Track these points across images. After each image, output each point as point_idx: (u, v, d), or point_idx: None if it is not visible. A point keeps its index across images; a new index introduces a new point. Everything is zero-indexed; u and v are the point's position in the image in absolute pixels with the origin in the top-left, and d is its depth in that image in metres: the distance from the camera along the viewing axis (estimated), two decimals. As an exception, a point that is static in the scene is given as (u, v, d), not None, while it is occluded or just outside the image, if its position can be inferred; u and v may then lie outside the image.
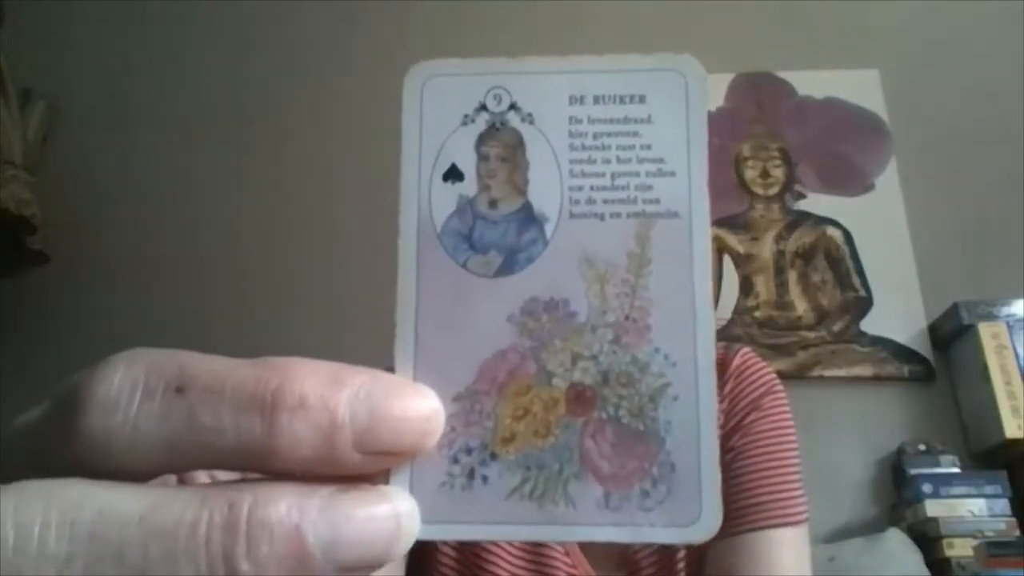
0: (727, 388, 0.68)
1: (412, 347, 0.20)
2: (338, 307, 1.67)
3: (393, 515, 0.17)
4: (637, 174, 0.21)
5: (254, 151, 1.88)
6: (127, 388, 0.17)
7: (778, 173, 1.77)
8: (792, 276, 1.68)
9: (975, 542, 1.32)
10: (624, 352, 0.20)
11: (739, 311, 1.66)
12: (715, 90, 1.83)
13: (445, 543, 0.68)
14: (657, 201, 0.21)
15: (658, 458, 0.20)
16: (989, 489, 1.39)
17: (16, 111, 1.75)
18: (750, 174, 1.78)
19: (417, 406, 0.18)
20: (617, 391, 0.20)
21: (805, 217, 1.73)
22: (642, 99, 0.22)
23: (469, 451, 0.20)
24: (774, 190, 1.76)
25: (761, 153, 1.79)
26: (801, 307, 1.65)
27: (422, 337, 0.21)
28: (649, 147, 0.21)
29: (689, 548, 0.65)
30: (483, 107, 0.22)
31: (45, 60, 1.91)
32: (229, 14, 1.99)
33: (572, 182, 0.21)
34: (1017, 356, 1.46)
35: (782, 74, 1.84)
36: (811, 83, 1.83)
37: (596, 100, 0.22)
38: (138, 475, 0.17)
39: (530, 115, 0.22)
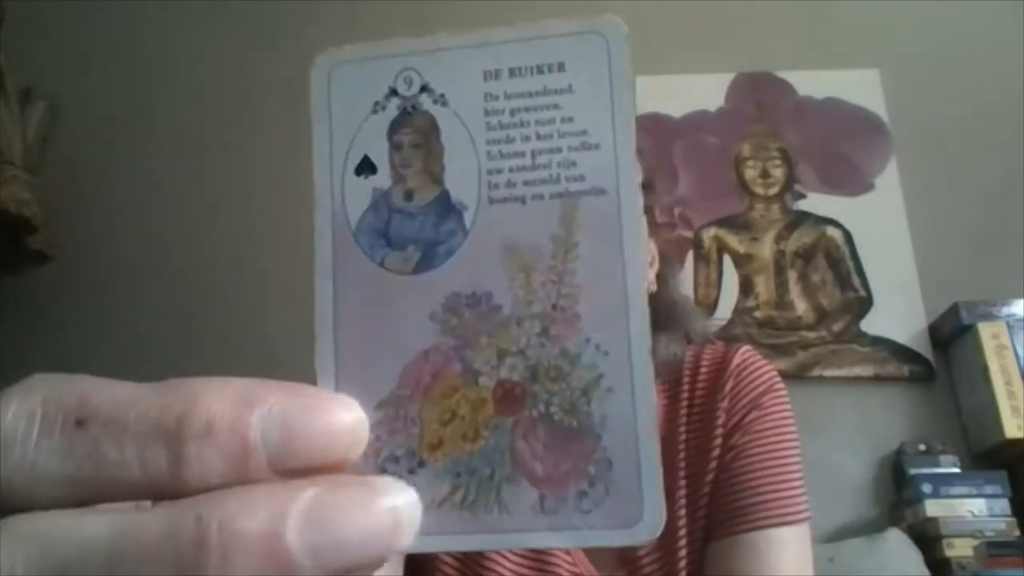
0: (727, 387, 0.68)
1: (332, 354, 0.20)
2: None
3: (390, 510, 0.16)
4: (559, 150, 0.20)
5: (255, 150, 1.88)
6: (23, 423, 0.16)
7: (778, 173, 1.77)
8: (792, 276, 1.68)
9: (975, 542, 1.32)
10: (553, 344, 0.19)
11: (739, 311, 1.66)
12: (715, 90, 1.83)
13: None
14: (581, 178, 0.20)
15: (594, 456, 0.18)
16: (989, 489, 1.39)
17: (16, 111, 1.75)
18: (750, 174, 1.78)
19: (335, 419, 0.17)
20: (547, 387, 0.19)
21: (805, 217, 1.73)
22: (561, 67, 0.20)
23: (396, 460, 0.19)
24: (774, 190, 1.76)
25: (761, 153, 1.79)
26: (801, 307, 1.65)
27: (342, 343, 0.20)
28: (571, 119, 0.20)
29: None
30: (393, 92, 0.21)
31: (45, 60, 1.91)
32: (231, 13, 1.99)
33: (490, 165, 0.20)
34: (1017, 356, 1.46)
35: (782, 74, 1.84)
36: (811, 83, 1.83)
37: (512, 73, 0.20)
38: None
39: (443, 96, 0.20)
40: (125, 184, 1.87)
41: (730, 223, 1.74)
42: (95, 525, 0.15)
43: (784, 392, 0.69)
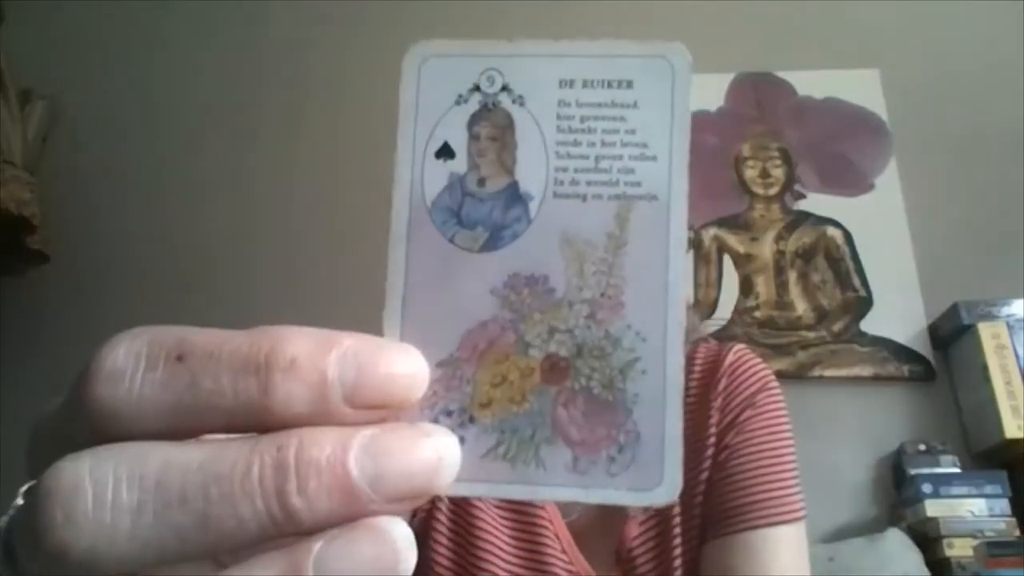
0: (721, 386, 0.68)
1: (399, 315, 0.22)
2: (342, 303, 1.67)
3: (434, 448, 0.19)
4: (620, 157, 0.22)
5: (254, 149, 1.88)
6: (131, 360, 0.18)
7: (778, 173, 1.77)
8: (792, 276, 1.68)
9: (975, 542, 1.31)
10: (598, 327, 0.21)
11: (739, 311, 1.66)
12: (715, 90, 1.83)
13: (439, 541, 0.68)
14: (638, 184, 0.22)
15: (625, 427, 0.21)
16: (989, 489, 1.39)
17: (16, 111, 1.75)
18: (750, 174, 1.78)
19: (402, 363, 0.19)
20: (590, 363, 0.21)
21: (805, 217, 1.73)
22: (630, 85, 0.22)
23: (449, 414, 0.21)
24: (774, 190, 1.76)
25: (761, 153, 1.79)
26: (801, 307, 1.65)
27: (409, 306, 0.22)
28: (633, 132, 0.22)
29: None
30: (476, 88, 0.23)
31: (45, 60, 1.92)
32: (230, 13, 1.99)
33: (558, 163, 0.22)
34: (1017, 356, 1.46)
35: (782, 74, 1.84)
36: (811, 83, 1.83)
37: (585, 84, 0.22)
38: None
39: (521, 97, 0.23)
40: (125, 184, 1.87)
41: (730, 223, 1.73)
42: (189, 449, 0.18)
43: (778, 391, 0.69)
